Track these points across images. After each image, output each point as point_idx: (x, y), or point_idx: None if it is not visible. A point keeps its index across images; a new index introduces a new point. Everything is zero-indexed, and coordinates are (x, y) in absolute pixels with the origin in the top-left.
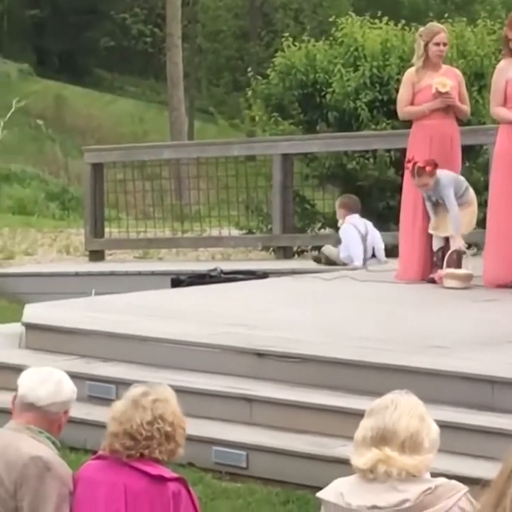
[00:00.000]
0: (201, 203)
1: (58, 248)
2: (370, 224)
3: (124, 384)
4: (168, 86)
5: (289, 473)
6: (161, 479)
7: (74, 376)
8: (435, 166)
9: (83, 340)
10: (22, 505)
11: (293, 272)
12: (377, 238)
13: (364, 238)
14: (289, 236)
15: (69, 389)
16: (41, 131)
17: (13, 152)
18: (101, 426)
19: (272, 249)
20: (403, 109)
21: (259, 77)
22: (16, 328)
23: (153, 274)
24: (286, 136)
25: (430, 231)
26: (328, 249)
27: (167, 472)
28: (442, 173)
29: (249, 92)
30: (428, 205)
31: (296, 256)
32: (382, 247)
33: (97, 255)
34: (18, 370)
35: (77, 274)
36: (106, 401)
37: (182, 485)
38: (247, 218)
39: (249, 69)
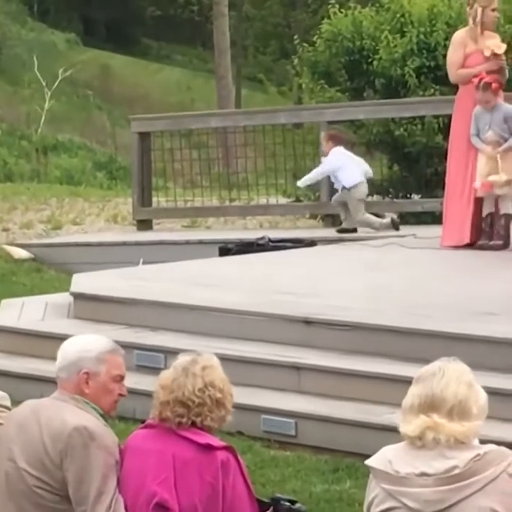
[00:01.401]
0: (249, 171)
1: (106, 217)
2: (351, 154)
3: (173, 353)
4: (215, 54)
5: (338, 441)
6: (210, 448)
7: (122, 345)
8: (501, 84)
9: (131, 310)
10: (68, 475)
11: (341, 240)
12: (362, 162)
13: (352, 160)
14: None
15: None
16: (88, 101)
17: (61, 122)
18: (150, 395)
19: (319, 217)
20: (456, 71)
21: (306, 45)
22: (64, 297)
23: (201, 242)
24: (332, 103)
25: (477, 183)
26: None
27: (215, 441)
28: (508, 106)
29: (296, 60)
30: (475, 140)
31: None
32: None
33: (144, 224)
34: (65, 339)
35: (124, 244)
36: (154, 370)
37: (230, 453)
38: (294, 186)
39: (295, 36)
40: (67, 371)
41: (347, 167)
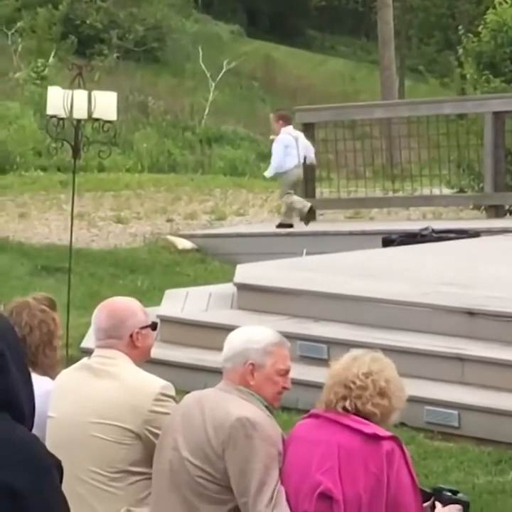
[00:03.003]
0: (412, 162)
1: (269, 208)
2: (301, 134)
3: (336, 344)
4: (379, 45)
5: (502, 432)
6: (375, 437)
7: (285, 336)
8: None
9: (294, 300)
10: (230, 466)
11: (505, 231)
12: (308, 147)
13: (297, 143)
14: (501, 195)
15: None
16: (252, 92)
17: (224, 113)
18: (313, 386)
19: (483, 208)
20: None
21: (471, 35)
22: (228, 288)
23: (364, 233)
24: (498, 93)
25: None
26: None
27: (381, 430)
28: None
29: (461, 50)
30: None
31: (508, 215)
32: (312, 154)
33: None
34: (229, 330)
35: (288, 235)
36: (318, 361)
37: (396, 444)
38: (458, 177)
39: (460, 27)
40: (232, 361)
41: (289, 151)
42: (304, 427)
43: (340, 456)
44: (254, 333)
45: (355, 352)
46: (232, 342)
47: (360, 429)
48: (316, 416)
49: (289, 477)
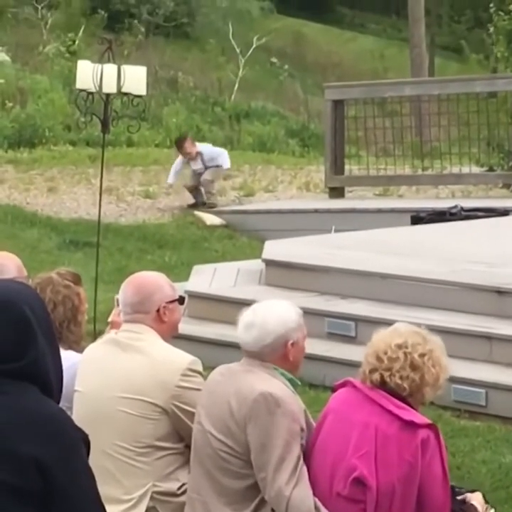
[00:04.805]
0: (442, 140)
1: (298, 185)
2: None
3: (364, 321)
4: (409, 23)
5: None
6: (412, 425)
7: (313, 313)
8: None
9: (322, 277)
10: (251, 441)
11: None
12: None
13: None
14: None
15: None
16: (281, 69)
17: (254, 89)
18: (340, 362)
19: None
20: None
21: (502, 13)
22: (256, 264)
23: (392, 211)
24: None
25: None
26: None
27: (419, 417)
28: None
29: (491, 29)
30: None
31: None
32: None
33: (336, 192)
34: None
35: (316, 211)
36: (345, 338)
37: (432, 432)
38: (487, 155)
39: (491, 5)
40: (272, 346)
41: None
42: (341, 399)
43: (377, 441)
44: (285, 312)
45: (400, 324)
46: (267, 327)
47: (399, 415)
48: (353, 386)
49: (324, 454)
